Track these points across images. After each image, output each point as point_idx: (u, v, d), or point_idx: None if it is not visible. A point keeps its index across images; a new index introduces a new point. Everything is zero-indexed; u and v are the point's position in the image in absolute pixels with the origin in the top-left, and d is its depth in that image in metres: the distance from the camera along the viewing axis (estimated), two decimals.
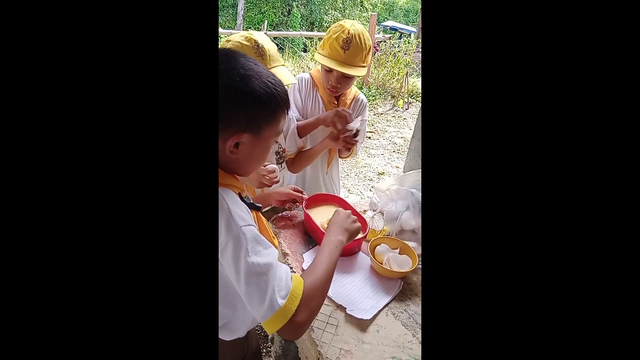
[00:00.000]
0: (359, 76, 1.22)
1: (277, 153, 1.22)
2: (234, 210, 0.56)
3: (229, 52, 0.58)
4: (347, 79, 1.21)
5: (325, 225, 0.88)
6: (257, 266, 0.54)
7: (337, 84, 1.21)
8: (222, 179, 0.61)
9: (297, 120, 1.27)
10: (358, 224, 0.79)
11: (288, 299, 0.54)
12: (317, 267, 0.64)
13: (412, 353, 0.72)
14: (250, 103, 0.55)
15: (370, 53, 1.20)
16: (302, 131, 1.24)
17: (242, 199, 0.64)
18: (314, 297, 0.58)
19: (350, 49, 1.13)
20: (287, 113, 0.63)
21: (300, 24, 11.24)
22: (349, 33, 1.14)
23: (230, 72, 0.54)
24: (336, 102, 1.33)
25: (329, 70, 1.19)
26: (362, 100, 1.34)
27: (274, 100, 0.57)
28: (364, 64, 1.19)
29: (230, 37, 1.00)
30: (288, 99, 0.61)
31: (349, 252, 0.99)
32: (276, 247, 0.74)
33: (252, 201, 0.67)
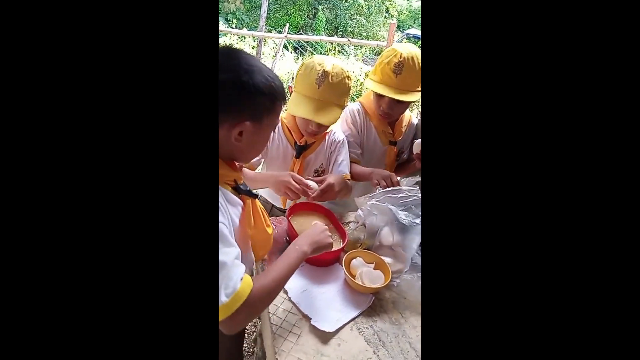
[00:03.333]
0: (412, 102, 1.16)
1: (317, 171, 1.20)
2: None
3: (232, 50, 0.65)
4: (399, 104, 1.15)
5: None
6: None
7: (389, 110, 1.16)
8: (221, 168, 0.66)
9: (355, 156, 1.21)
10: (330, 240, 0.80)
11: (231, 298, 0.58)
12: (270, 273, 0.67)
13: None
14: (254, 95, 0.62)
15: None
16: (354, 176, 1.19)
17: (238, 186, 0.70)
18: (258, 302, 0.62)
19: (402, 73, 1.08)
20: (284, 104, 0.71)
21: (324, 27, 11.30)
22: (401, 57, 1.08)
23: (236, 67, 0.61)
24: (391, 131, 1.26)
25: (381, 96, 1.15)
26: (416, 125, 1.27)
27: (273, 92, 0.65)
28: (417, 89, 1.12)
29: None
30: (284, 92, 0.69)
31: (328, 263, 0.99)
32: (270, 235, 0.81)
33: (248, 188, 0.72)
